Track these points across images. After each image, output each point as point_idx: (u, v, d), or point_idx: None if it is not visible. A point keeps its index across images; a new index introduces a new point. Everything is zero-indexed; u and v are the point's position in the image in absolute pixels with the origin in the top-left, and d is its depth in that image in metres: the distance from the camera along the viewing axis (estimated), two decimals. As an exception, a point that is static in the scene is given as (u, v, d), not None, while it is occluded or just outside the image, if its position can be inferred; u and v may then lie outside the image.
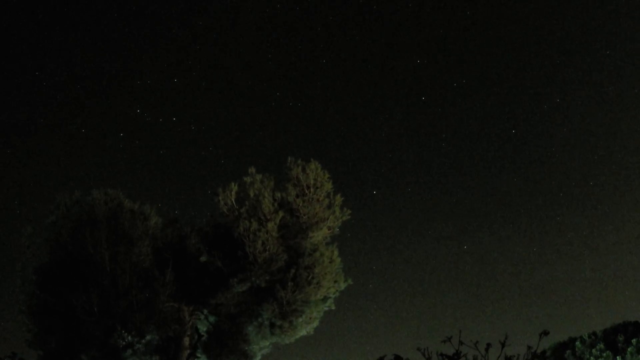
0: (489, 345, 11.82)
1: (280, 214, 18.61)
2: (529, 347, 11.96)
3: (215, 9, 35.00)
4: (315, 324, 19.41)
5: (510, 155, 37.16)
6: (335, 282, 19.22)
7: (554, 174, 37.13)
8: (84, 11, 34.32)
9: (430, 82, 36.11)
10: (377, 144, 37.33)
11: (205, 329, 19.36)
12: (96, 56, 35.03)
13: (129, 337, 17.41)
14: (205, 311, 19.12)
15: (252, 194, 18.84)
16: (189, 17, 34.89)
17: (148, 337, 17.86)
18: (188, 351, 18.70)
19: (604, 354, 18.97)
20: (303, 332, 19.33)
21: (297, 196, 19.08)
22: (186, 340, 18.65)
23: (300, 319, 18.90)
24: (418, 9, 35.60)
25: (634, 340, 18.71)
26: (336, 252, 19.30)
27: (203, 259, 18.69)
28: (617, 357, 18.67)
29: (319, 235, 19.29)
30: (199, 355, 19.17)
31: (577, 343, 20.07)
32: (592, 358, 19.15)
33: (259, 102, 36.45)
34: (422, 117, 36.34)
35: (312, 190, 19.09)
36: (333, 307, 19.55)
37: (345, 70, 36.47)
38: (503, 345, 11.60)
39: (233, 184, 19.15)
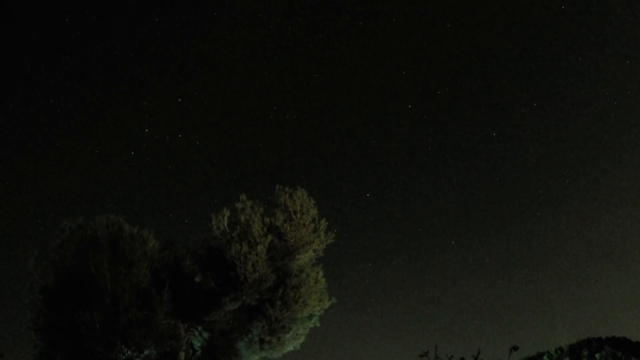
0: (462, 359, 12.99)
1: (269, 237, 19.45)
2: (499, 361, 13.11)
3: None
4: (302, 339, 20.19)
5: (493, 160, 38.17)
6: (320, 301, 20.04)
7: (525, 192, 38.22)
8: (90, 35, 34.99)
9: (415, 90, 37.14)
10: (367, 152, 38.30)
11: (199, 345, 20.03)
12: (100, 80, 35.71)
13: (129, 352, 18.20)
14: (200, 328, 19.84)
15: (243, 219, 19.70)
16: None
17: (146, 352, 18.65)
18: (184, 365, 19.45)
19: (569, 368, 20.09)
20: (290, 348, 20.11)
21: (285, 221, 20.00)
22: (182, 355, 19.31)
23: (287, 335, 19.74)
24: (402, 24, 36.68)
25: (597, 355, 19.81)
26: (321, 273, 20.16)
27: (197, 279, 19.65)
28: (581, 370, 19.80)
29: (305, 257, 20.17)
30: (194, 369, 19.92)
31: (545, 357, 21.14)
32: (557, 371, 20.26)
33: (250, 132, 37.35)
34: (410, 123, 37.32)
35: (298, 215, 20.01)
36: (318, 324, 20.33)
37: (334, 82, 37.40)
38: (476, 359, 12.75)
39: (225, 209, 20.02)
